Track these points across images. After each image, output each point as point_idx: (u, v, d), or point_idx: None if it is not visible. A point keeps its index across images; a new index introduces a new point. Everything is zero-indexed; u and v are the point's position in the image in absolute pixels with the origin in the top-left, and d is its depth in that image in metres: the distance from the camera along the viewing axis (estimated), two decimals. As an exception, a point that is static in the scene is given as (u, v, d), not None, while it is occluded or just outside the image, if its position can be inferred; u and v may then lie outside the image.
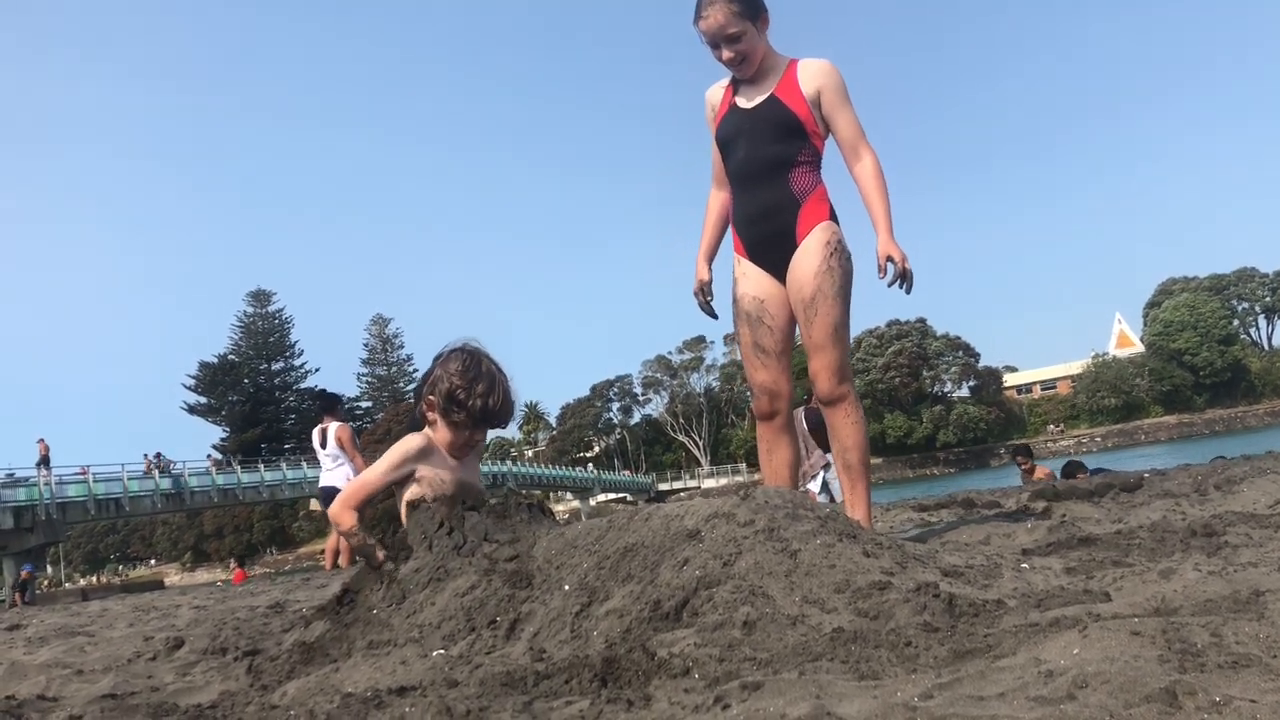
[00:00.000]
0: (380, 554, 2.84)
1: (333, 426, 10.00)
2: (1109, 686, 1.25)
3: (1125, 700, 1.21)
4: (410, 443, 3.02)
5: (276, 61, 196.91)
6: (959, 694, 1.33)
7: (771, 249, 3.60)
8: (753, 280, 3.68)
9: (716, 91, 3.77)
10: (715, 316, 4.02)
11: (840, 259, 3.52)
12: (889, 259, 3.43)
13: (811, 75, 3.55)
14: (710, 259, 3.93)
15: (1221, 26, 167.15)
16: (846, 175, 3.61)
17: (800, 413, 10.48)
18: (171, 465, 48.82)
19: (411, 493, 2.96)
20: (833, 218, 3.59)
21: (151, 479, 46.06)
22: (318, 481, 10.48)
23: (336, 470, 9.86)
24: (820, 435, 10.21)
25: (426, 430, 3.07)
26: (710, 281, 3.91)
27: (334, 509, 2.98)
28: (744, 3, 3.48)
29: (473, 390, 2.97)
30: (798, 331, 3.67)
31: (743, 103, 3.64)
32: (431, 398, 3.01)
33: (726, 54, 3.52)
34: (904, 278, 3.45)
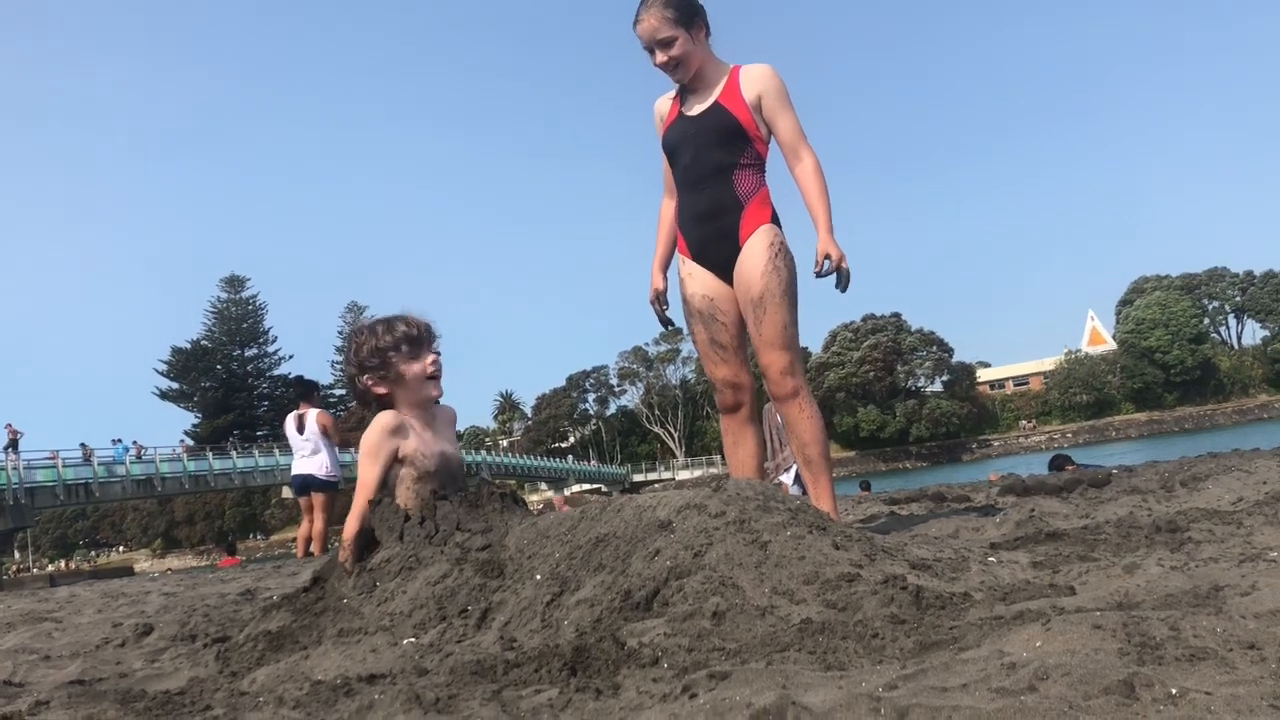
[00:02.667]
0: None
1: (312, 413, 9.91)
2: (1069, 679, 1.28)
3: (1084, 692, 1.23)
4: (381, 420, 2.98)
5: (251, 44, 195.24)
6: (923, 685, 1.35)
7: (716, 250, 3.68)
8: (700, 280, 3.75)
9: (664, 102, 3.85)
10: (669, 325, 4.13)
11: (784, 259, 3.60)
12: (826, 256, 3.50)
13: (753, 81, 3.62)
14: (665, 268, 4.01)
15: (1196, 25, 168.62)
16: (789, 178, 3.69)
17: (771, 407, 10.52)
18: (142, 451, 48.39)
19: (400, 476, 2.92)
20: (775, 220, 3.67)
21: (122, 464, 45.64)
22: (290, 469, 10.39)
23: (313, 458, 9.79)
24: None
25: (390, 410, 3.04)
26: (666, 290, 3.99)
27: (350, 518, 2.90)
28: (678, 9, 3.56)
29: (379, 334, 3.01)
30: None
31: (688, 111, 3.72)
32: (368, 379, 3.01)
33: (661, 58, 3.60)
34: (839, 274, 3.51)
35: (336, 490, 9.92)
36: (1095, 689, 1.23)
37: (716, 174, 3.64)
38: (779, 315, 3.56)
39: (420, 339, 3.04)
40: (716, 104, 3.64)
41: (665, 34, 3.55)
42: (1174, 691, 1.20)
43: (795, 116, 3.64)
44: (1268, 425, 64.49)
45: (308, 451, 9.83)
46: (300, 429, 9.88)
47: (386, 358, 2.99)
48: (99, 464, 44.36)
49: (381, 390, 3.01)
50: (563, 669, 1.78)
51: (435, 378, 3.07)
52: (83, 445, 45.01)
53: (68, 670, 2.58)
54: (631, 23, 3.63)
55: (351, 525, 2.84)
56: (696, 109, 3.69)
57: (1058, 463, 10.28)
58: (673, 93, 3.80)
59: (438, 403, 3.14)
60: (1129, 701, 1.18)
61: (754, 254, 3.57)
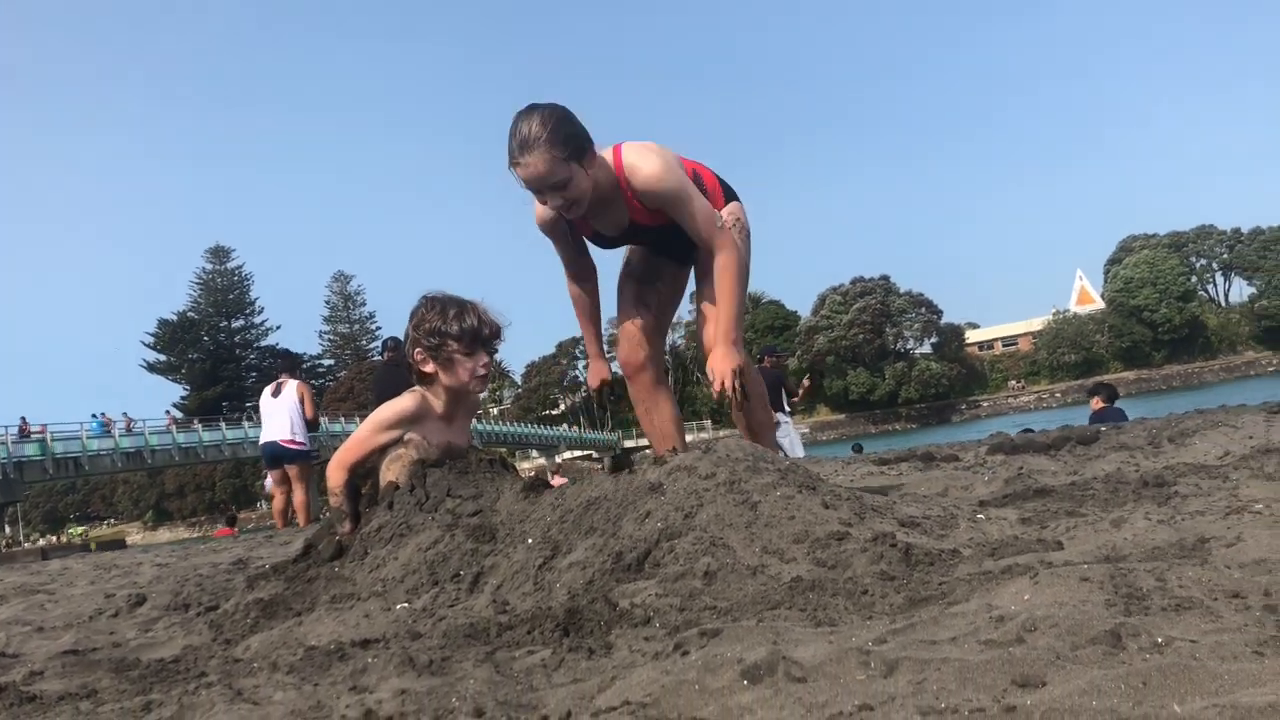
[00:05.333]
0: (348, 527, 2.84)
1: (291, 383, 9.95)
2: (1057, 630, 1.29)
3: (1072, 642, 1.24)
4: (403, 403, 2.98)
5: (230, 9, 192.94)
6: (912, 638, 1.36)
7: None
8: (653, 250, 3.58)
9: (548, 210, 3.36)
10: (607, 407, 3.93)
11: (739, 233, 3.42)
12: (714, 372, 3.21)
13: (645, 198, 3.23)
14: (603, 354, 3.78)
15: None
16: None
17: (755, 369, 10.53)
18: (132, 424, 48.28)
19: (395, 455, 2.93)
20: (730, 198, 3.49)
21: (111, 438, 45.53)
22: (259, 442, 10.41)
23: (281, 425, 9.80)
24: (774, 393, 10.30)
25: (418, 390, 3.03)
26: (610, 380, 3.74)
27: (330, 466, 2.95)
28: (566, 144, 3.05)
29: (447, 317, 2.95)
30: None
31: (607, 231, 3.40)
32: (419, 352, 2.97)
33: (555, 201, 3.15)
34: (727, 391, 3.19)
35: (310, 459, 9.94)
36: (1082, 639, 1.24)
37: (675, 240, 3.36)
38: (703, 210, 3.24)
39: (484, 339, 3.01)
40: (633, 223, 3.33)
41: (559, 175, 3.06)
42: (1160, 640, 1.21)
43: (696, 206, 3.22)
44: (1254, 382, 64.90)
45: (277, 418, 9.84)
46: (276, 393, 9.92)
47: (444, 343, 2.96)
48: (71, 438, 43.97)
49: (428, 369, 2.99)
50: (555, 630, 1.79)
51: (483, 379, 3.06)
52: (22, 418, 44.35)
53: (61, 641, 2.58)
54: (508, 162, 3.10)
55: (337, 476, 2.89)
56: (612, 228, 3.37)
57: (1094, 390, 10.34)
58: None
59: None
60: (1115, 651, 1.19)
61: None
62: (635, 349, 3.57)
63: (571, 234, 3.52)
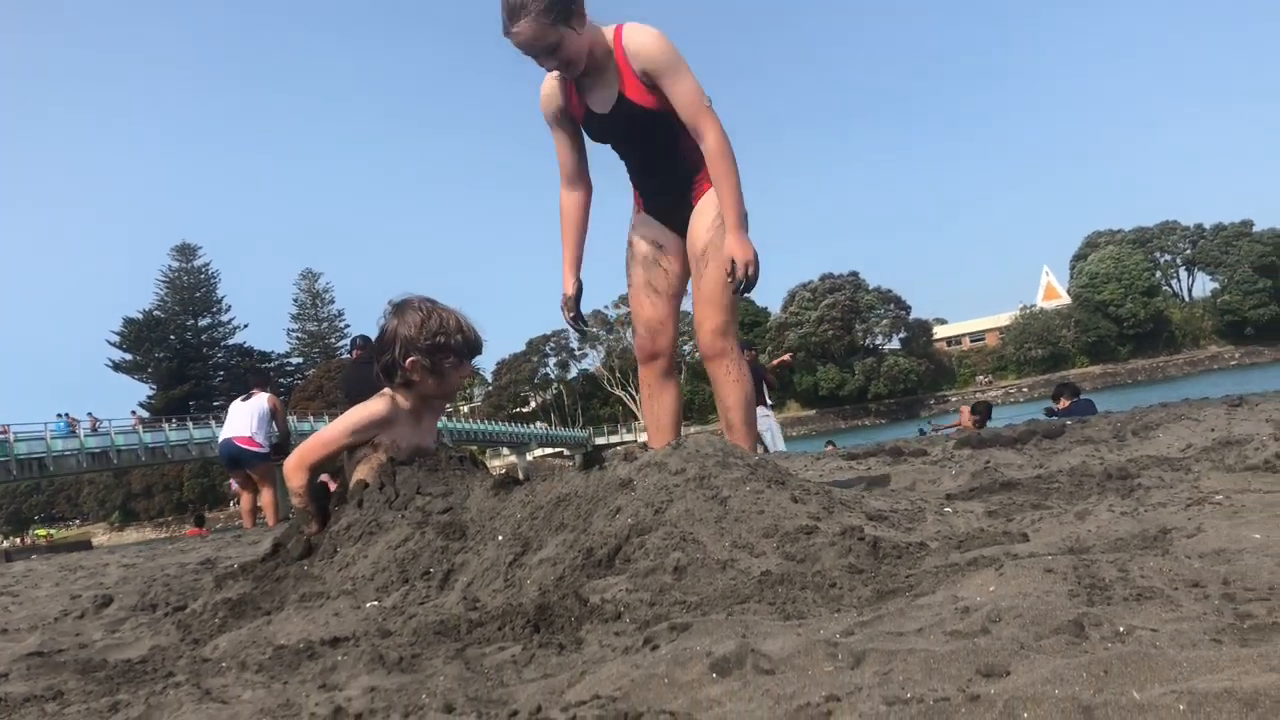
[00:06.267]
0: (314, 526, 2.83)
1: (263, 395, 10.00)
2: (1021, 620, 1.31)
3: (1035, 632, 1.26)
4: (373, 407, 2.96)
5: (197, 5, 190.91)
6: (879, 630, 1.38)
7: (671, 214, 3.59)
8: (652, 227, 3.64)
9: (554, 88, 3.53)
10: (584, 333, 3.93)
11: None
12: (732, 260, 3.28)
13: (639, 61, 3.32)
14: (576, 269, 3.74)
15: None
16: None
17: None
18: (97, 424, 47.71)
19: (363, 456, 2.92)
20: None
21: (76, 438, 44.97)
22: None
23: (241, 425, 9.77)
24: (756, 386, 10.31)
25: (387, 393, 3.01)
26: (577, 296, 3.73)
27: (289, 464, 2.93)
28: (554, 8, 3.19)
29: (448, 330, 2.95)
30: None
31: (596, 107, 3.46)
32: (414, 358, 2.92)
33: (550, 64, 3.31)
34: (746, 282, 3.31)
35: (269, 460, 9.91)
36: (1046, 629, 1.26)
37: (660, 158, 3.48)
38: (719, 271, 3.38)
39: (475, 353, 3.05)
40: (622, 98, 3.37)
41: (549, 39, 3.21)
42: (1121, 629, 1.23)
43: (688, 82, 3.29)
44: (1217, 375, 65.81)
45: (239, 420, 9.82)
46: (245, 401, 9.95)
47: (441, 358, 2.95)
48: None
49: (416, 377, 2.96)
50: (526, 626, 1.79)
51: (460, 390, 3.08)
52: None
53: (26, 643, 2.55)
54: (502, 31, 3.24)
55: (299, 476, 2.88)
56: (602, 103, 3.42)
57: (1057, 393, 10.43)
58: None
59: None
60: (1078, 640, 1.21)
61: (703, 211, 3.46)
62: (652, 338, 3.63)
63: (572, 128, 3.60)
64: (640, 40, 3.31)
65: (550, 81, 3.53)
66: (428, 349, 2.92)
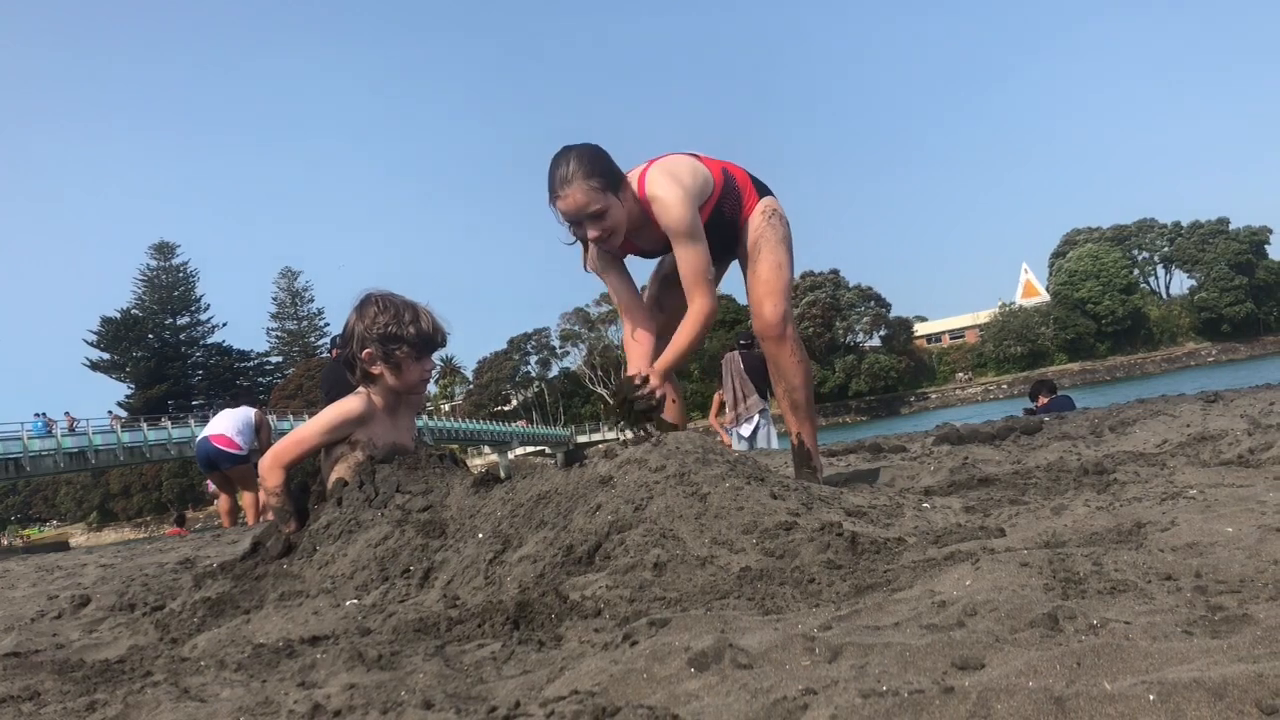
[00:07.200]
0: (293, 525, 2.83)
1: (253, 410, 10.05)
2: (996, 614, 1.32)
3: (1011, 626, 1.27)
4: (348, 405, 2.97)
5: (175, 2, 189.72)
6: (856, 625, 1.39)
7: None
8: None
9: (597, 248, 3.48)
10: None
11: (778, 219, 3.55)
12: (645, 376, 3.18)
13: (659, 219, 3.33)
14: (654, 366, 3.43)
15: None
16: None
17: (736, 355, 10.55)
18: (75, 424, 47.31)
19: (340, 454, 2.92)
20: (763, 194, 3.60)
21: (53, 438, 44.57)
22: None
23: (220, 426, 9.73)
24: (758, 379, 10.28)
25: (363, 391, 3.02)
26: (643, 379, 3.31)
27: (264, 463, 2.94)
28: (603, 176, 3.23)
29: (402, 321, 2.96)
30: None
31: (643, 244, 3.53)
32: (369, 350, 2.96)
33: (594, 233, 3.29)
34: (639, 401, 3.15)
35: (247, 461, 9.87)
36: (1021, 622, 1.27)
37: (724, 253, 3.56)
38: (773, 256, 3.49)
39: (432, 345, 3.04)
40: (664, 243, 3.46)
41: (596, 207, 3.22)
42: (1095, 622, 1.25)
43: (691, 252, 3.32)
44: (1194, 372, 66.35)
45: (221, 422, 9.78)
46: (231, 408, 10.00)
47: (395, 348, 2.96)
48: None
49: (376, 370, 2.99)
50: (505, 623, 1.80)
51: (426, 383, 3.11)
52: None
53: (2, 643, 2.54)
54: (548, 199, 3.28)
55: (275, 475, 2.88)
56: (649, 243, 3.52)
57: (1035, 390, 10.45)
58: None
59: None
60: (1053, 633, 1.23)
61: (752, 226, 3.52)
62: (644, 362, 3.48)
63: (621, 265, 3.60)
64: (662, 203, 3.30)
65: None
66: (379, 339, 2.95)
